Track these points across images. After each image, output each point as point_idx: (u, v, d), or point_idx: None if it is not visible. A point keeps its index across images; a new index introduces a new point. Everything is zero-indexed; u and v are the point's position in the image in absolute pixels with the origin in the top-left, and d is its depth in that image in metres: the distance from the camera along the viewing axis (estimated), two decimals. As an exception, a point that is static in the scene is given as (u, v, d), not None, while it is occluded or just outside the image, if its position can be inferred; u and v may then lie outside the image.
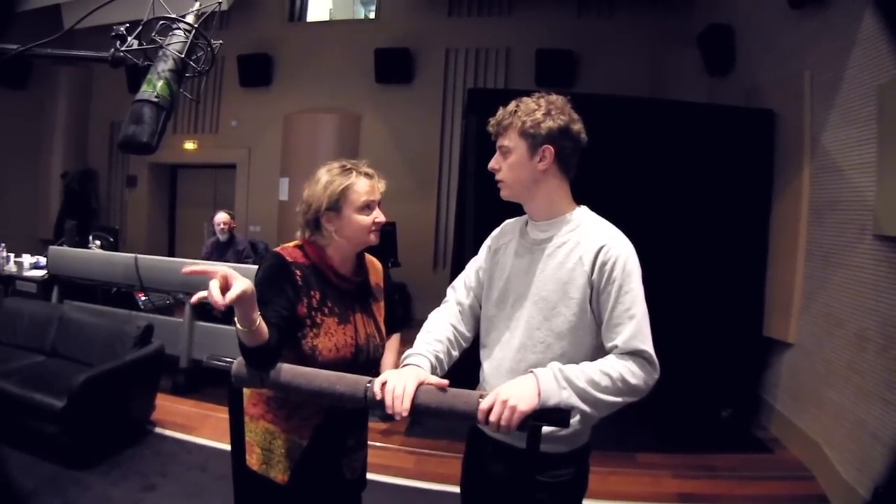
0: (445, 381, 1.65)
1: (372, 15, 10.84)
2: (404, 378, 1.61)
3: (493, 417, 1.53)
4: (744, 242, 5.46)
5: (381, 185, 2.11)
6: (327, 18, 11.15)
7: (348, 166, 2.08)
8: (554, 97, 1.88)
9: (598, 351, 1.81)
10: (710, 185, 5.30)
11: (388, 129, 9.97)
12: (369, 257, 2.28)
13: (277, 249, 2.06)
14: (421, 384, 1.62)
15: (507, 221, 2.12)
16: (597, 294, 1.79)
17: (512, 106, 1.87)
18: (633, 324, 1.74)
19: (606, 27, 9.28)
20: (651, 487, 4.32)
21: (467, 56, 9.77)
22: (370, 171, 2.10)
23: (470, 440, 2.11)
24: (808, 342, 4.88)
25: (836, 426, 4.29)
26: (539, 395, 1.58)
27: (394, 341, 2.41)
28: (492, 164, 1.89)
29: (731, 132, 5.40)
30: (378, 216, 2.07)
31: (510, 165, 1.85)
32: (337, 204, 2.02)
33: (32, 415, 4.15)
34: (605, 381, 1.65)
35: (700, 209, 5.29)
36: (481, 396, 1.58)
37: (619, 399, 1.68)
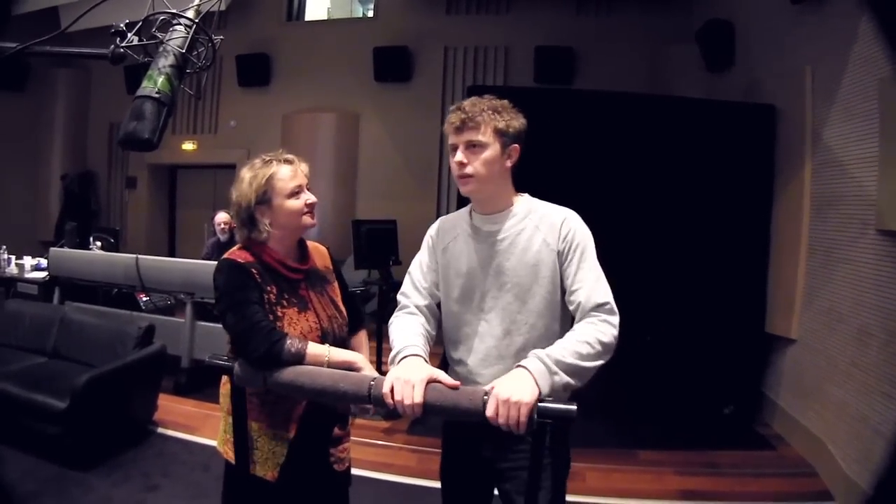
0: (456, 382, 1.66)
1: (370, 13, 10.82)
2: (412, 379, 1.62)
3: (501, 420, 1.55)
4: (745, 238, 5.44)
5: (303, 168, 2.14)
6: (325, 17, 11.13)
7: (267, 158, 2.12)
8: (503, 100, 2.00)
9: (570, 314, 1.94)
10: (711, 182, 5.29)
11: (388, 128, 9.95)
12: (311, 243, 2.31)
13: (226, 256, 2.09)
14: (430, 382, 1.63)
15: (443, 218, 2.20)
16: (560, 262, 1.92)
17: (477, 103, 1.93)
18: (595, 281, 1.90)
19: (605, 24, 9.26)
20: (653, 484, 4.31)
21: (466, 54, 9.75)
22: (290, 157, 2.14)
23: (452, 432, 2.15)
24: (811, 338, 4.87)
25: (839, 422, 4.28)
26: (537, 384, 1.62)
27: (362, 338, 2.42)
28: (461, 159, 1.91)
29: (731, 128, 5.39)
30: (308, 198, 2.10)
31: (486, 161, 1.90)
32: (265, 196, 2.06)
33: (34, 416, 4.15)
34: (585, 349, 1.75)
35: (701, 206, 5.28)
36: (486, 394, 1.58)
37: (600, 362, 1.79)
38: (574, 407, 1.56)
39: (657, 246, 5.00)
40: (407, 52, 9.75)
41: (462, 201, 5.96)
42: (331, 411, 2.15)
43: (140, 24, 1.54)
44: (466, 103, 1.93)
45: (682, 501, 4.13)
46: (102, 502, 3.78)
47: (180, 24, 1.58)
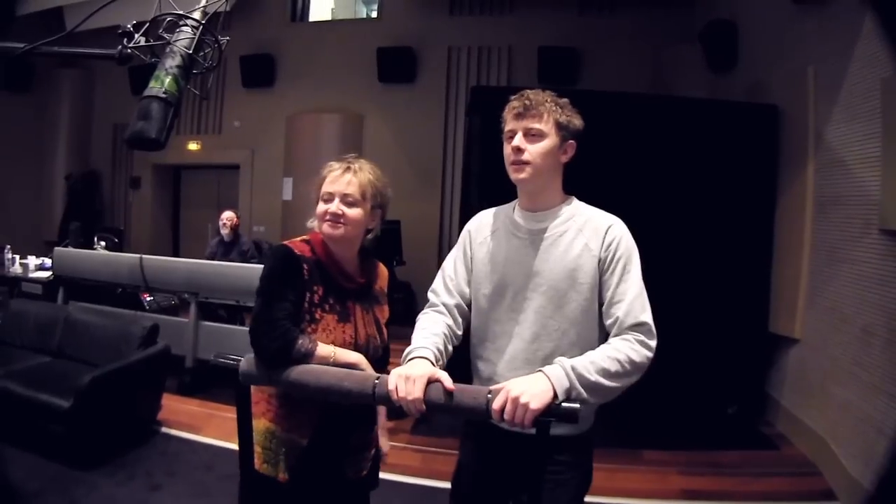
0: (451, 385, 1.63)
1: (374, 14, 10.85)
2: (413, 377, 1.61)
3: (506, 416, 1.54)
4: (749, 238, 5.45)
5: (348, 178, 2.03)
6: (329, 18, 11.15)
7: (341, 159, 2.10)
8: (564, 98, 1.97)
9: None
10: (714, 182, 5.30)
11: (392, 129, 9.96)
12: (380, 264, 2.29)
13: (286, 242, 2.06)
14: (430, 381, 1.61)
15: (483, 213, 2.15)
16: (601, 271, 1.87)
17: (540, 94, 1.92)
18: (636, 297, 1.84)
19: (608, 24, 9.26)
20: (657, 484, 4.31)
21: (469, 54, 9.76)
22: (350, 164, 2.07)
23: (471, 436, 2.13)
24: (814, 338, 4.87)
25: (842, 422, 4.28)
26: (555, 395, 1.59)
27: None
28: (519, 144, 1.88)
29: (735, 128, 5.40)
30: (332, 207, 2.01)
31: (543, 150, 1.88)
32: (318, 195, 2.06)
33: (39, 415, 4.16)
34: (614, 367, 1.70)
35: (705, 206, 5.28)
36: (490, 392, 1.58)
37: (627, 383, 1.74)
38: (577, 406, 1.56)
39: (661, 246, 4.98)
40: (411, 52, 9.76)
41: (465, 204, 5.92)
42: (350, 422, 2.11)
43: (147, 24, 1.55)
44: (530, 92, 1.92)
45: (686, 501, 4.14)
46: (106, 501, 3.79)
47: (187, 24, 1.59)
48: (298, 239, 2.09)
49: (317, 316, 1.98)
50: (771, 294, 5.51)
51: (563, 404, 1.56)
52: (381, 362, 2.18)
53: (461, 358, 2.04)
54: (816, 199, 4.94)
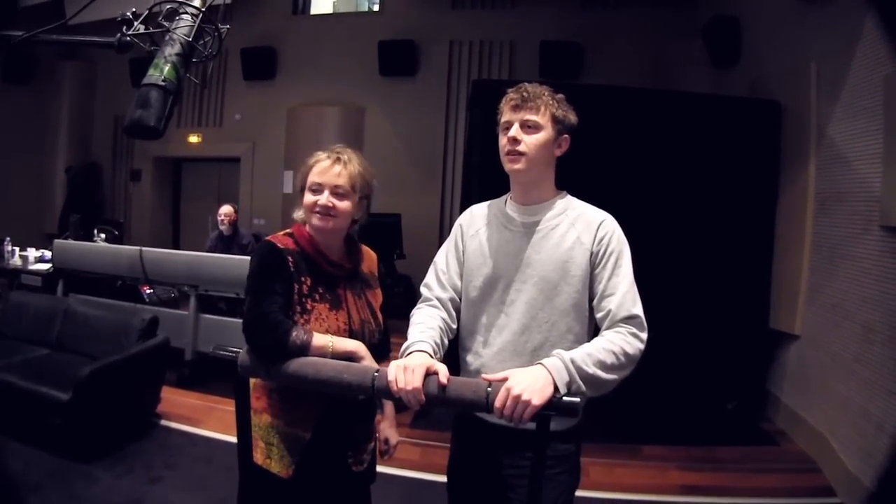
0: (446, 376, 1.63)
1: (376, 7, 10.81)
2: (412, 366, 1.61)
3: (506, 412, 1.53)
4: (750, 234, 5.43)
5: (338, 170, 2.02)
6: (331, 11, 11.11)
7: (330, 149, 2.09)
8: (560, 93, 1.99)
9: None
10: (715, 177, 5.28)
11: (392, 122, 9.94)
12: (364, 247, 2.28)
13: (268, 238, 2.06)
14: (428, 372, 1.61)
15: (475, 207, 2.18)
16: (593, 264, 1.88)
17: (538, 87, 1.94)
18: (628, 291, 1.85)
19: (611, 19, 9.23)
20: (656, 479, 4.32)
21: (471, 48, 9.74)
22: (342, 156, 2.05)
23: (462, 429, 2.13)
24: (814, 334, 4.87)
25: (842, 418, 4.28)
26: (555, 389, 1.59)
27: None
28: (515, 135, 1.89)
29: (737, 123, 5.38)
30: (321, 199, 1.99)
31: (539, 142, 1.89)
32: (304, 184, 2.06)
33: (38, 407, 4.16)
34: (610, 359, 1.71)
35: (706, 201, 5.27)
36: (489, 385, 1.58)
37: (622, 375, 1.75)
38: (578, 400, 1.55)
39: (661, 241, 4.98)
40: (412, 46, 9.74)
41: (465, 198, 5.90)
42: (353, 415, 2.11)
43: (146, 12, 1.54)
44: (527, 84, 1.94)
45: (685, 496, 4.14)
46: (105, 494, 3.79)
47: (187, 12, 1.58)
48: (281, 233, 2.10)
49: (308, 306, 1.97)
50: (771, 290, 5.51)
51: (564, 398, 1.55)
52: (381, 348, 2.16)
53: (449, 351, 2.04)
54: (817, 196, 4.94)
